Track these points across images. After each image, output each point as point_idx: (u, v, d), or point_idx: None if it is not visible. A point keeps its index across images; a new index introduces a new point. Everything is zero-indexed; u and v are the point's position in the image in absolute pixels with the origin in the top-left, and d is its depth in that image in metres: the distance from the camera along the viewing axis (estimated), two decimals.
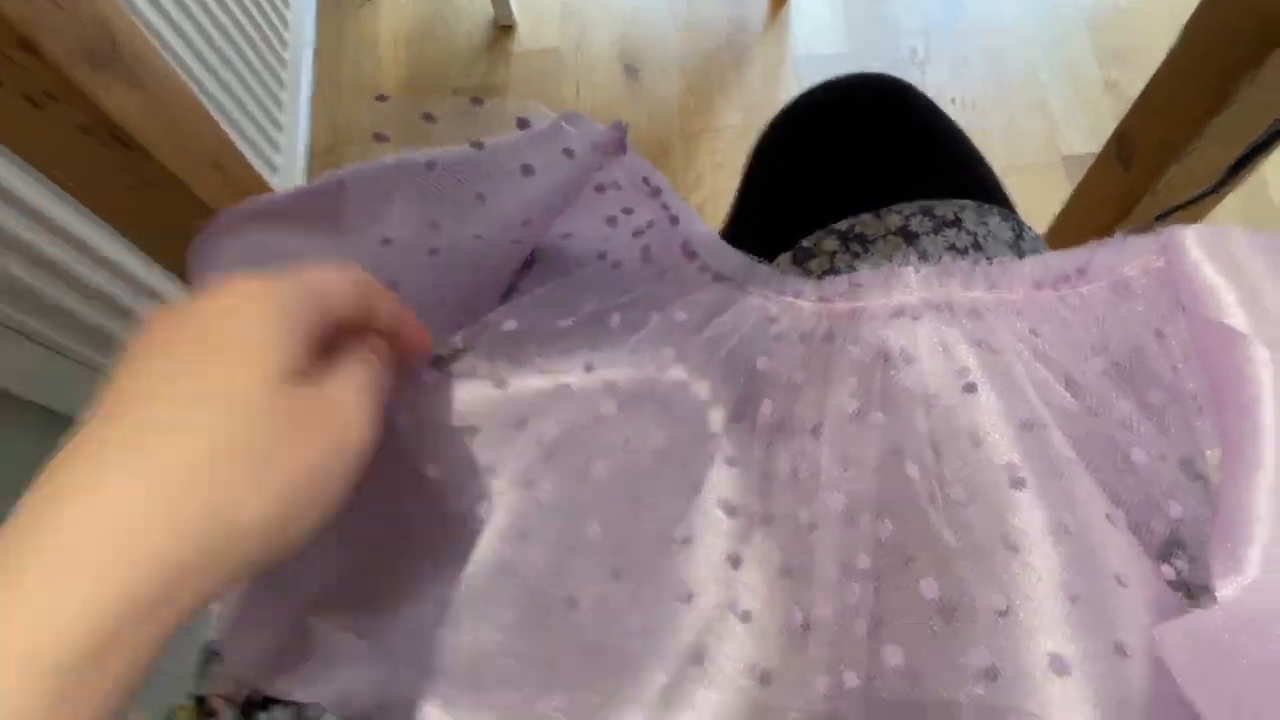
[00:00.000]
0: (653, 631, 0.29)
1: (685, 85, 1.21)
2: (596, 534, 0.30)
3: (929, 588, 0.28)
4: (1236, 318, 0.30)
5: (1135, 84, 0.57)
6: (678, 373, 0.33)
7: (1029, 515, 0.28)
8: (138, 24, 0.45)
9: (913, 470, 0.30)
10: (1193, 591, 0.29)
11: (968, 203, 0.41)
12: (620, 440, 0.32)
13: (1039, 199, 1.09)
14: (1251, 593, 0.27)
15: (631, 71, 1.22)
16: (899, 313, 0.33)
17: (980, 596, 0.27)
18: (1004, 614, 0.27)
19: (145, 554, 0.19)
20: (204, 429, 0.21)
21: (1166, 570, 0.29)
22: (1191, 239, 0.31)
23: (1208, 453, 0.32)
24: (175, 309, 0.24)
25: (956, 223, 0.40)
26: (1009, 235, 0.41)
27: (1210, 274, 0.31)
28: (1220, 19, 0.51)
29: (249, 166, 0.55)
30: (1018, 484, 0.28)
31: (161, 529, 0.19)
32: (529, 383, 0.32)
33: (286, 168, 1.02)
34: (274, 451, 0.22)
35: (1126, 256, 0.33)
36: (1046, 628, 0.26)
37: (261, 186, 0.57)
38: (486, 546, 0.30)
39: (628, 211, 0.36)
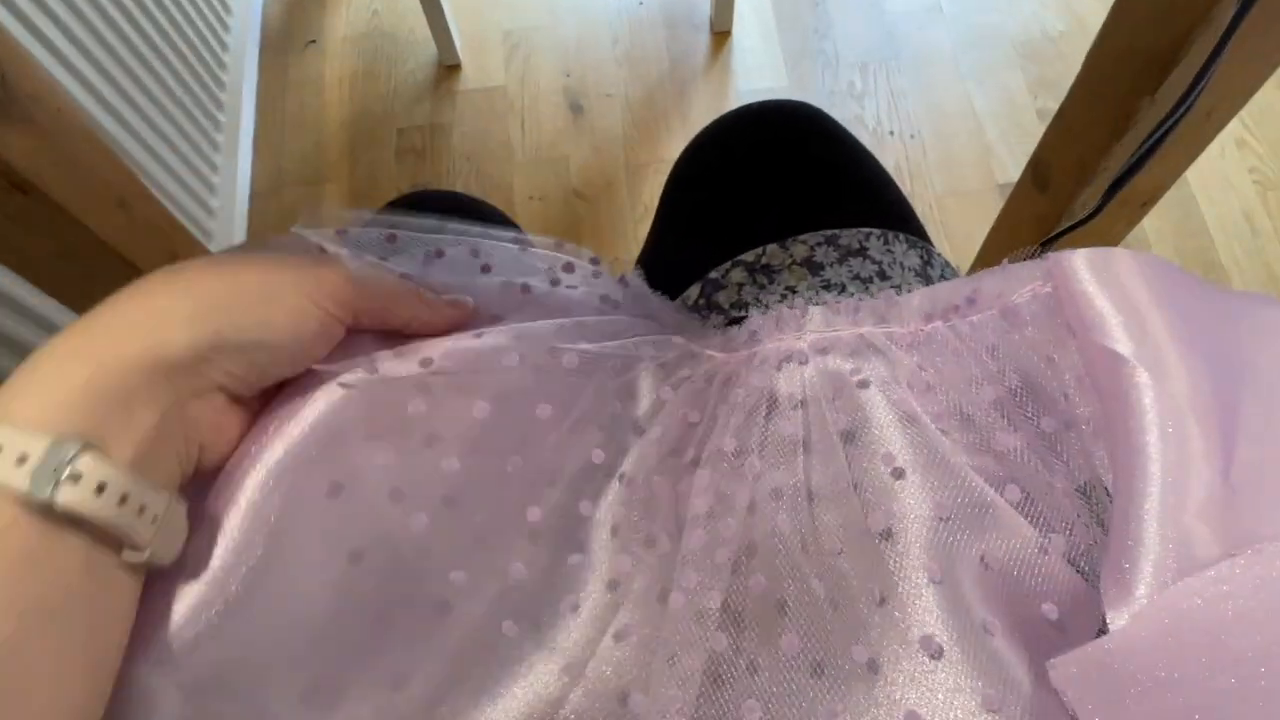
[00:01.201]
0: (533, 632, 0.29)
1: (630, 119, 1.22)
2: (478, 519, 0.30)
3: (790, 643, 0.27)
4: (1121, 343, 0.30)
5: None
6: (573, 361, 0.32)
7: (901, 564, 0.27)
8: (31, 60, 0.44)
9: (783, 518, 0.29)
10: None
11: (873, 230, 0.41)
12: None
13: (975, 225, 1.11)
14: (1140, 620, 0.26)
15: (576, 108, 1.23)
16: (787, 358, 0.33)
17: (845, 652, 0.27)
18: (874, 669, 0.26)
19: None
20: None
21: (1048, 609, 0.28)
22: (1079, 262, 0.31)
23: (1106, 479, 0.32)
24: None
25: (861, 251, 0.40)
26: (916, 262, 0.41)
27: (1097, 298, 0.31)
28: (1118, 46, 0.52)
29: (157, 205, 0.54)
30: (885, 536, 0.28)
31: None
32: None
33: (224, 210, 1.01)
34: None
35: (1013, 283, 0.32)
36: (914, 687, 0.26)
37: (171, 225, 0.56)
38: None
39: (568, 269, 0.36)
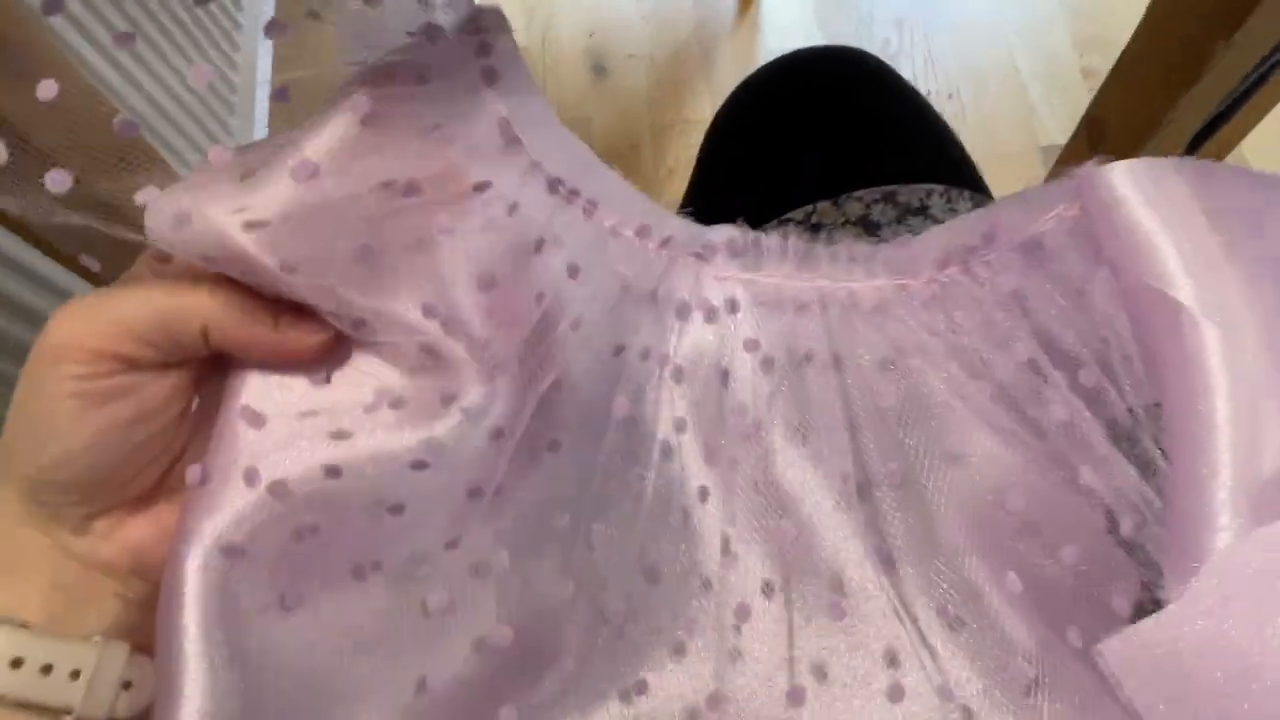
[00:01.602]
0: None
1: (654, 79, 1.18)
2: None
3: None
4: (1181, 286, 0.24)
5: None
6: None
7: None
8: (15, 5, 0.41)
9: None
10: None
11: (935, 186, 0.37)
12: None
13: (1017, 189, 1.06)
14: (1212, 615, 0.23)
15: (599, 69, 1.19)
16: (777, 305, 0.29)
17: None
18: None
19: None
20: None
21: (1120, 604, 0.25)
22: (1118, 176, 0.25)
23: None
24: None
25: (922, 209, 0.36)
26: None
27: (1145, 222, 0.25)
28: None
29: (165, 167, 0.51)
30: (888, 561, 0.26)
31: None
32: None
33: (245, 107, 0.99)
34: None
35: (1035, 211, 0.27)
36: None
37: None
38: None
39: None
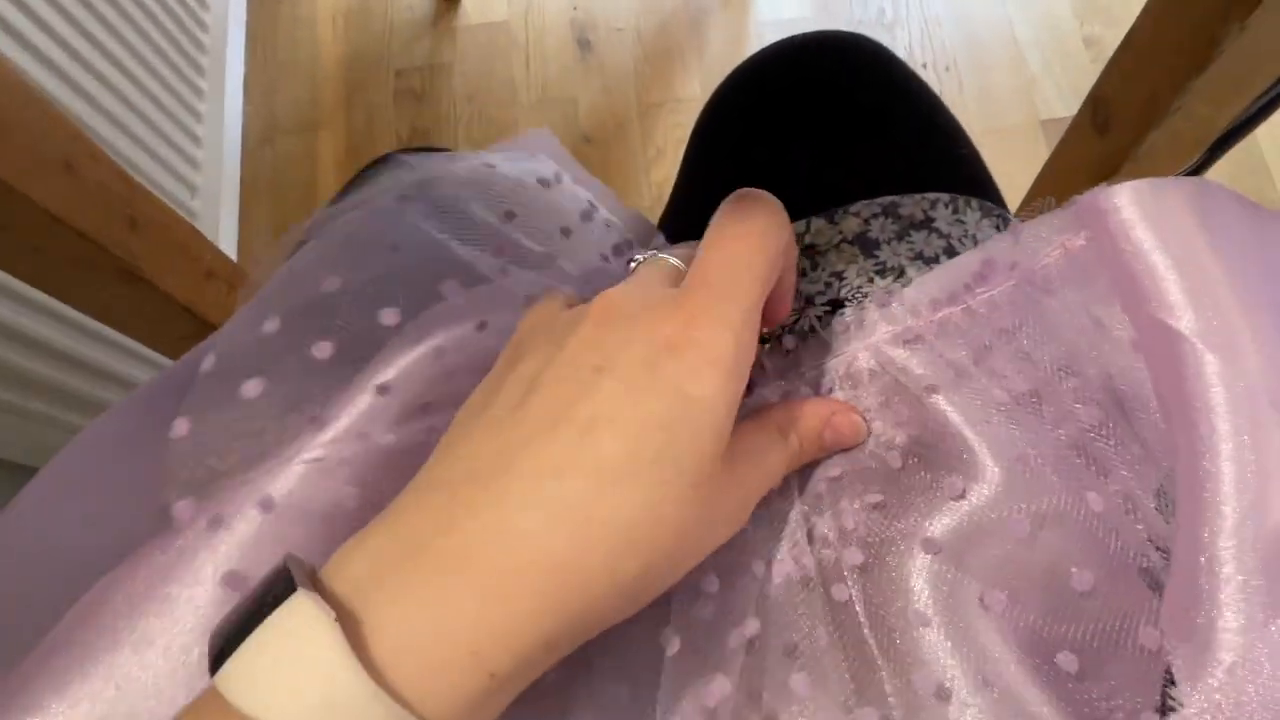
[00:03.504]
0: None
1: (641, 55, 1.14)
2: None
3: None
4: (1182, 315, 0.24)
5: (1118, 39, 0.51)
6: None
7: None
8: None
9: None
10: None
11: (941, 196, 0.34)
12: None
13: (1017, 164, 1.03)
14: (1232, 678, 0.21)
15: (584, 44, 1.15)
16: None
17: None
18: None
19: (568, 595, 0.20)
20: (655, 495, 0.20)
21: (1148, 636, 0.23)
22: (1124, 201, 0.25)
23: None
24: (632, 327, 0.22)
25: (926, 223, 0.33)
26: (992, 234, 0.34)
27: (1148, 251, 0.24)
28: None
29: (109, 165, 0.49)
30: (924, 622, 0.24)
31: (602, 583, 0.20)
32: None
33: (210, 162, 0.95)
34: (690, 537, 0.22)
35: (1031, 244, 0.27)
36: None
37: (129, 187, 0.51)
38: None
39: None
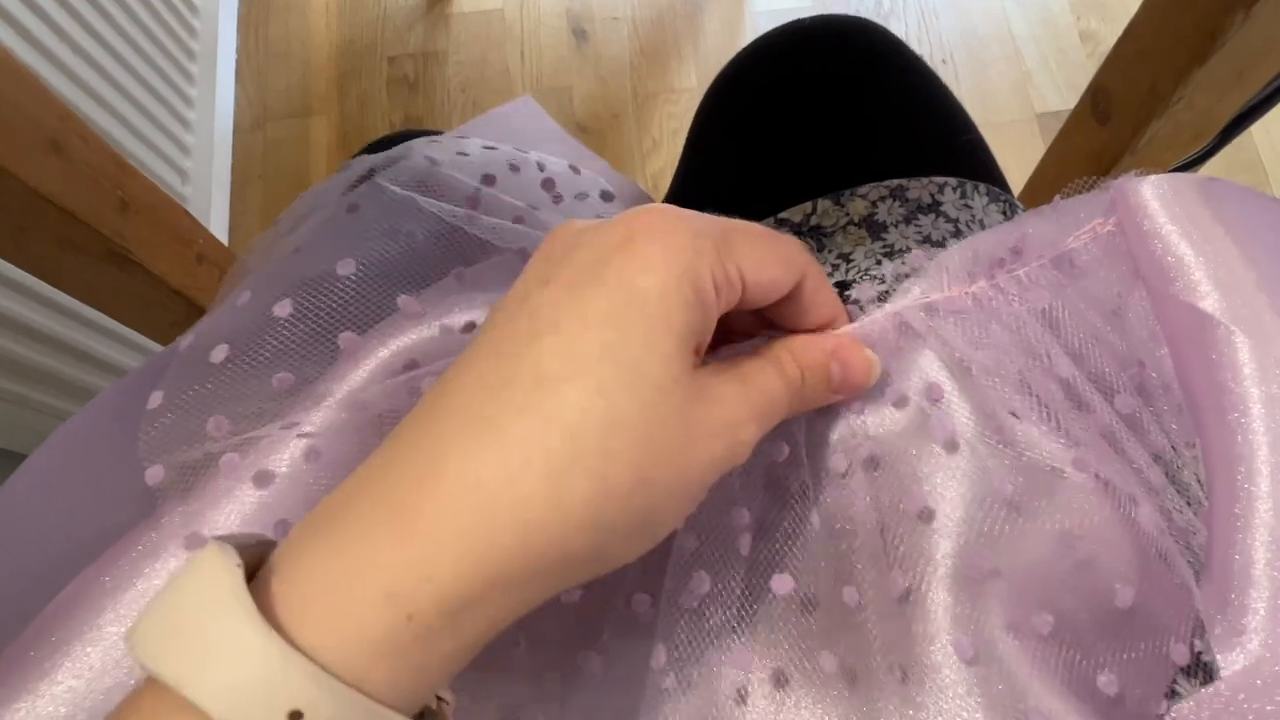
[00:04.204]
0: None
1: (637, 45, 1.13)
2: None
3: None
4: (1207, 296, 0.24)
5: (1114, 35, 0.51)
6: None
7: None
8: None
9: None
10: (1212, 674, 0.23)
11: (949, 180, 0.34)
12: None
13: (1013, 158, 1.03)
14: (1263, 661, 0.22)
15: (580, 33, 1.14)
16: None
17: None
18: None
19: (497, 525, 0.18)
20: (605, 397, 0.18)
21: (1106, 682, 0.23)
22: (1147, 192, 0.25)
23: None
24: (586, 237, 0.20)
25: (934, 206, 0.33)
26: (998, 219, 0.35)
27: (1172, 239, 0.25)
28: None
29: (100, 145, 0.48)
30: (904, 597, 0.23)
31: (541, 505, 0.18)
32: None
33: (201, 148, 0.94)
34: (659, 447, 0.19)
35: (1067, 223, 0.26)
36: None
37: (119, 168, 0.50)
38: None
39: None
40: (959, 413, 0.25)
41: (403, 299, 0.28)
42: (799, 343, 0.24)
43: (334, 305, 0.28)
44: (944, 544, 0.24)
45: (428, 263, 0.30)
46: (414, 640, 0.17)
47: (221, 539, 0.18)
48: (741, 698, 0.24)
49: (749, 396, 0.21)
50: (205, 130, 0.95)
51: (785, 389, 0.22)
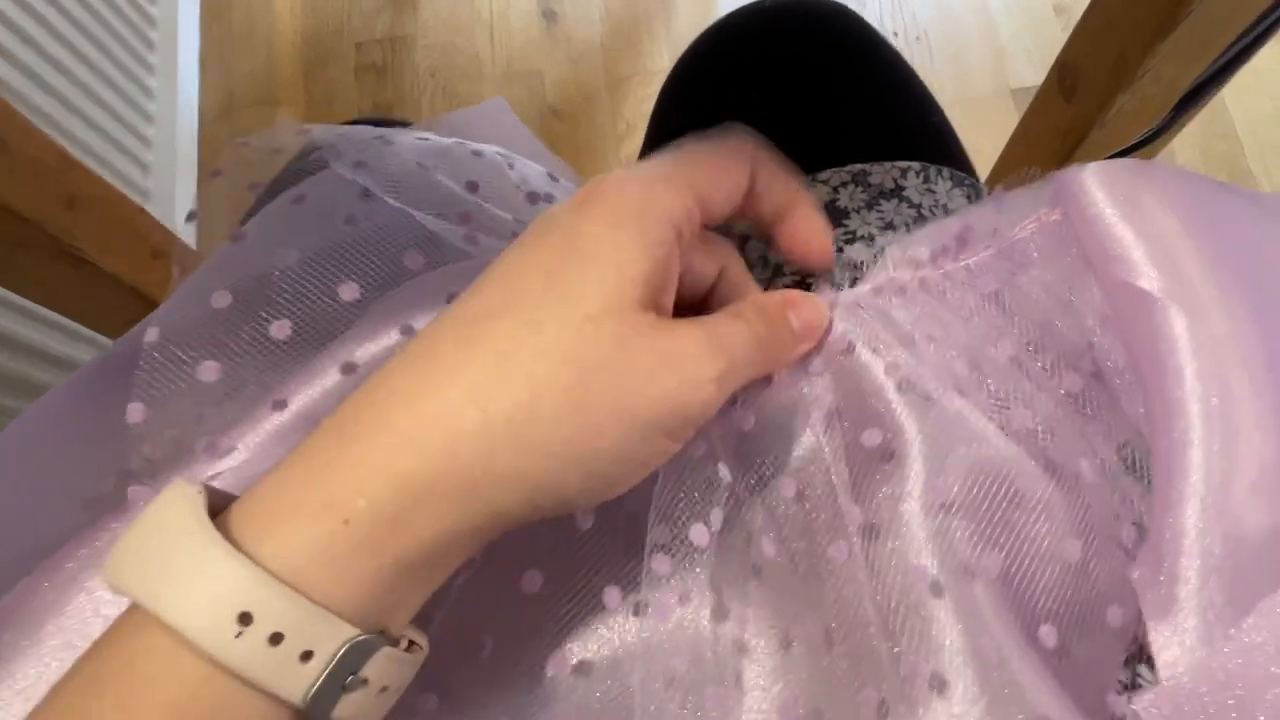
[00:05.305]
0: None
1: (609, 27, 1.12)
2: None
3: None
4: (1147, 276, 0.25)
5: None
6: None
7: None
8: None
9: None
10: None
11: (912, 165, 0.34)
12: None
13: (987, 135, 1.02)
14: (1225, 654, 0.21)
15: (549, 15, 1.13)
16: None
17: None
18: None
19: (428, 433, 0.19)
20: (535, 326, 0.20)
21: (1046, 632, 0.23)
22: (1089, 180, 0.26)
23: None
24: (550, 212, 0.22)
25: (896, 191, 0.33)
26: (962, 203, 0.34)
27: (1114, 223, 0.26)
28: None
29: (42, 140, 0.46)
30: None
31: (470, 421, 0.19)
32: None
33: (163, 141, 0.92)
34: (593, 374, 0.20)
35: (1011, 215, 0.27)
36: None
37: (64, 163, 0.48)
38: None
39: None
40: (911, 370, 0.25)
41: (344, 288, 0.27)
42: (755, 296, 0.25)
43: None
44: (907, 478, 0.24)
45: (375, 251, 0.29)
46: (355, 546, 0.18)
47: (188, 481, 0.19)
48: (741, 649, 0.24)
49: (707, 334, 0.22)
50: (168, 122, 0.94)
51: (747, 331, 0.23)
